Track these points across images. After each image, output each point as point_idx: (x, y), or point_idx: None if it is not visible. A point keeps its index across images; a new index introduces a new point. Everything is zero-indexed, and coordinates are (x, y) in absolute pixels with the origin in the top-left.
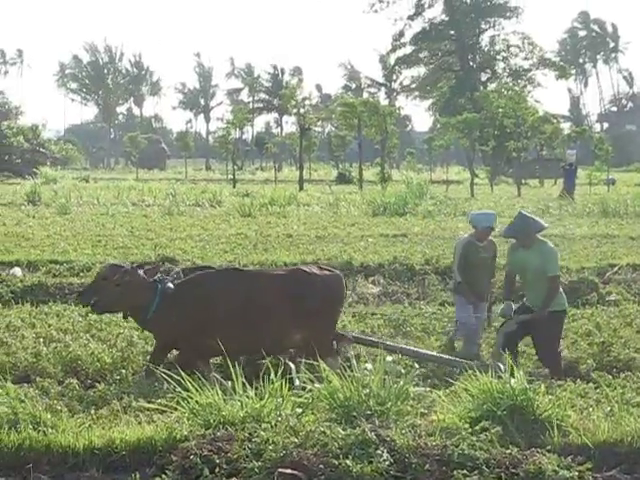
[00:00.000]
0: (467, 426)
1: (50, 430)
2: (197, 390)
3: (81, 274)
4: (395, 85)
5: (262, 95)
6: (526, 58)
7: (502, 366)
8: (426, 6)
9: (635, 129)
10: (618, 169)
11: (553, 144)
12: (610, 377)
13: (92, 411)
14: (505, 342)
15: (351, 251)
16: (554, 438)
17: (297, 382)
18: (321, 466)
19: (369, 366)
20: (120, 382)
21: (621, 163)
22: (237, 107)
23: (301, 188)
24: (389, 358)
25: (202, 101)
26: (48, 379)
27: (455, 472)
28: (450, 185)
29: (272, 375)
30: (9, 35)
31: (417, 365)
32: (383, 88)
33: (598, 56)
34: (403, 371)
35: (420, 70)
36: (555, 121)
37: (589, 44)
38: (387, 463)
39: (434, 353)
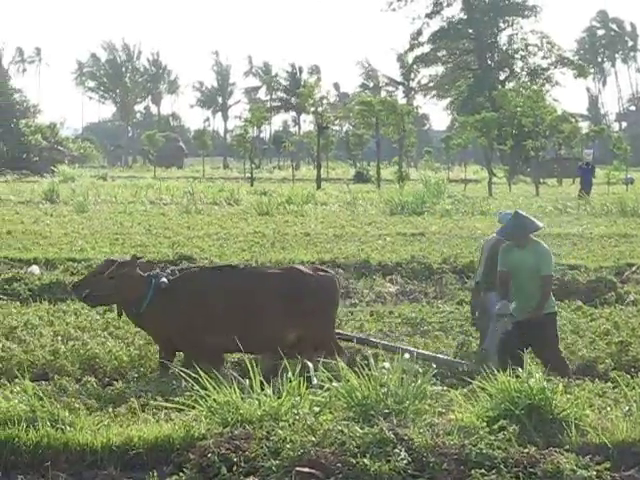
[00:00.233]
0: (485, 425)
1: (68, 428)
2: (215, 388)
3: None
4: (413, 84)
5: (280, 94)
6: (544, 57)
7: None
8: (444, 5)
9: None
10: (636, 168)
11: (571, 143)
12: (628, 376)
13: (110, 409)
14: (502, 346)
15: (369, 250)
16: (572, 437)
17: (315, 381)
18: (339, 465)
19: (387, 365)
20: (138, 380)
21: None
22: (255, 105)
23: (319, 187)
24: (407, 356)
25: (220, 99)
26: (66, 377)
27: (473, 471)
28: (468, 184)
29: (290, 374)
30: (27, 33)
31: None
32: (401, 87)
33: (617, 55)
34: (421, 370)
35: (438, 69)
36: (573, 120)
37: (607, 43)
38: (405, 462)
39: (429, 352)
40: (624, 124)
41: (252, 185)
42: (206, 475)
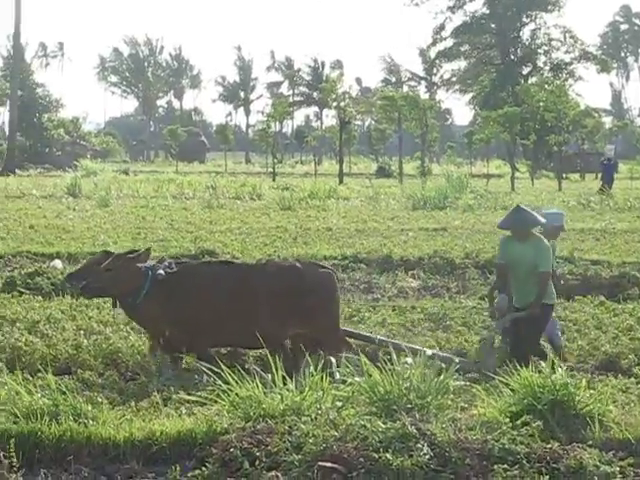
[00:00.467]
0: (508, 420)
1: (91, 422)
2: (237, 383)
3: None
4: (435, 78)
5: (302, 88)
6: (567, 52)
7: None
8: None
9: None
10: None
11: (594, 138)
12: None
13: (132, 403)
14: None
15: (391, 245)
16: (595, 433)
17: (337, 376)
18: (361, 460)
19: (409, 360)
20: (160, 374)
21: None
22: (277, 100)
23: (341, 181)
24: (429, 352)
25: (242, 94)
26: (88, 371)
27: (496, 466)
28: (490, 179)
29: (312, 368)
30: (50, 28)
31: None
32: (423, 82)
33: None
34: (443, 365)
35: (461, 63)
36: (596, 115)
37: (631, 37)
38: (427, 457)
39: (429, 350)
40: None
41: (274, 180)
42: (228, 469)
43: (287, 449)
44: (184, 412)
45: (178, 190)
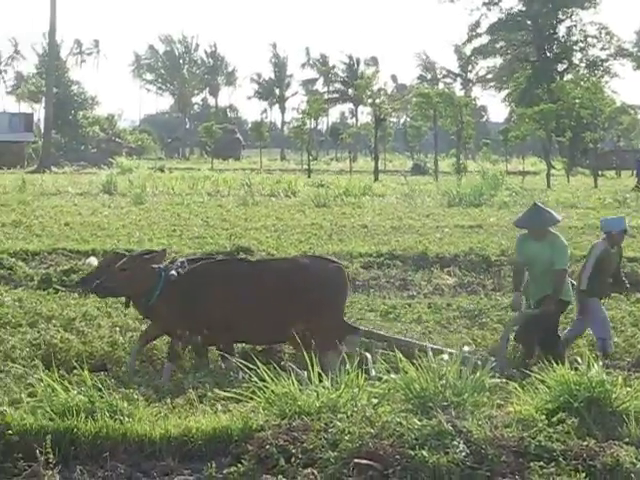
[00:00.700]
0: (544, 418)
1: (127, 419)
2: (273, 380)
3: None
4: (471, 75)
5: (337, 85)
6: (603, 48)
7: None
8: None
9: None
10: None
11: (630, 135)
12: None
13: (168, 400)
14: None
15: (426, 242)
16: (632, 430)
17: (373, 373)
18: (397, 457)
19: (445, 357)
20: (196, 371)
21: None
22: (312, 97)
23: (376, 179)
24: (466, 348)
25: (277, 91)
26: (124, 368)
27: (532, 464)
28: (526, 176)
29: (348, 365)
30: (85, 26)
31: (493, 357)
32: (459, 78)
33: None
34: (479, 362)
35: (496, 60)
36: (632, 112)
37: None
38: (463, 454)
39: (431, 345)
40: None
41: (309, 177)
42: (264, 466)
43: (323, 446)
44: (220, 409)
45: (213, 187)
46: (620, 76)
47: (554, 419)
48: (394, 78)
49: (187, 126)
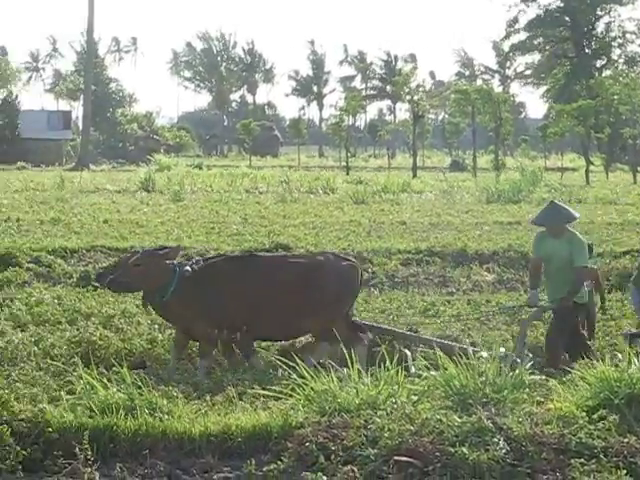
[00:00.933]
0: (584, 414)
1: (166, 416)
2: (312, 377)
3: None
4: (509, 72)
5: (375, 82)
6: None
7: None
8: None
9: None
10: None
11: None
12: None
13: (207, 397)
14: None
15: (465, 238)
16: None
17: (412, 369)
18: (437, 454)
19: (485, 354)
20: (235, 368)
21: None
22: (350, 94)
23: (414, 175)
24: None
25: (315, 88)
26: (163, 365)
27: (572, 461)
28: (565, 172)
29: (387, 362)
30: (123, 23)
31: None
32: (497, 75)
33: None
34: (519, 360)
35: (534, 57)
36: None
37: None
38: (503, 451)
39: (435, 339)
40: None
41: (348, 174)
42: (304, 464)
43: (363, 443)
44: (259, 406)
45: (251, 184)
46: None
47: (594, 416)
48: (432, 75)
49: (225, 123)
